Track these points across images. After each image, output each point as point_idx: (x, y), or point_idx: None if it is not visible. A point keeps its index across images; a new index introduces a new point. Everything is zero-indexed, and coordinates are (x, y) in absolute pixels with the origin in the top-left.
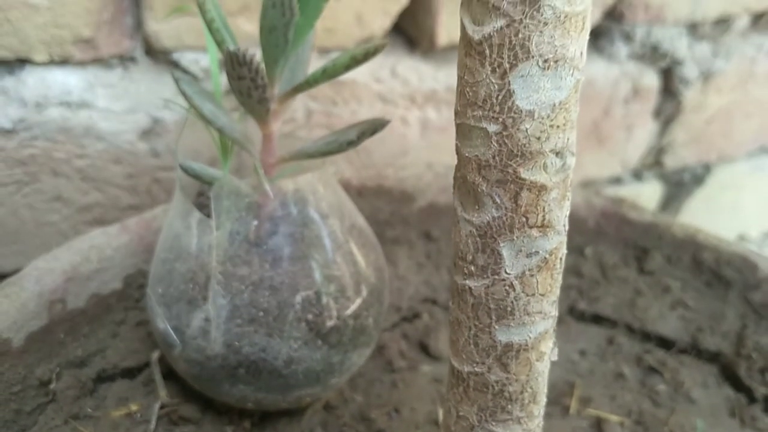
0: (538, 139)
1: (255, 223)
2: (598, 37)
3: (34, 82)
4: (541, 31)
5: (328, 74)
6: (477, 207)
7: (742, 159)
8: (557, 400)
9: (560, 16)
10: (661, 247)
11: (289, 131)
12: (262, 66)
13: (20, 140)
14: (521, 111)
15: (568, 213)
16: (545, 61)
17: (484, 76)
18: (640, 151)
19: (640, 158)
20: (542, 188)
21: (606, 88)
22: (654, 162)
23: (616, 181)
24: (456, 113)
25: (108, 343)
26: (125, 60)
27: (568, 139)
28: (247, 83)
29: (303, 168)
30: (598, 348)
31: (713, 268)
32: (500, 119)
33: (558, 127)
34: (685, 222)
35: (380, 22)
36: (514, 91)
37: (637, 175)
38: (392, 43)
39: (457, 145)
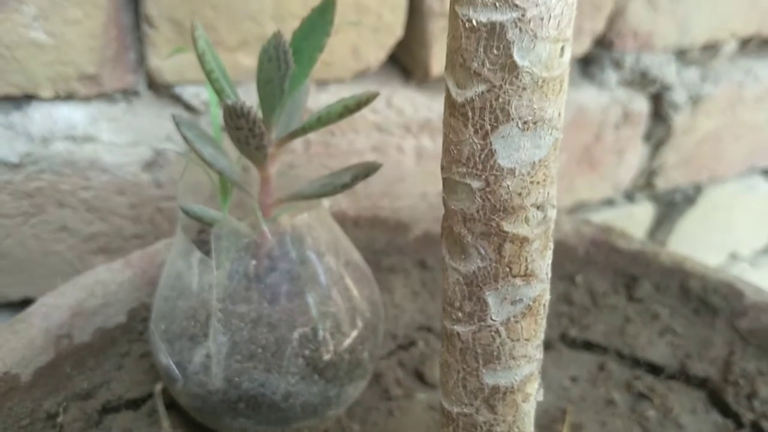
0: (520, 194)
1: (253, 262)
2: (588, 64)
3: (40, 117)
4: (520, 96)
5: (322, 122)
6: (463, 256)
7: (733, 179)
8: (549, 426)
9: (538, 81)
10: (649, 275)
11: (288, 161)
12: (259, 116)
13: (27, 174)
14: (503, 169)
15: (550, 261)
16: (525, 122)
17: (468, 136)
18: (631, 174)
19: (632, 180)
20: (524, 240)
21: (597, 114)
22: (646, 184)
23: (609, 203)
24: (442, 168)
25: (113, 375)
26: (128, 94)
27: (548, 193)
28: (245, 133)
29: (300, 207)
30: (589, 374)
31: (700, 296)
32: (483, 176)
33: (538, 182)
34: (672, 250)
35: (375, 54)
36: (495, 151)
37: (630, 196)
38: (388, 74)
39: (443, 197)
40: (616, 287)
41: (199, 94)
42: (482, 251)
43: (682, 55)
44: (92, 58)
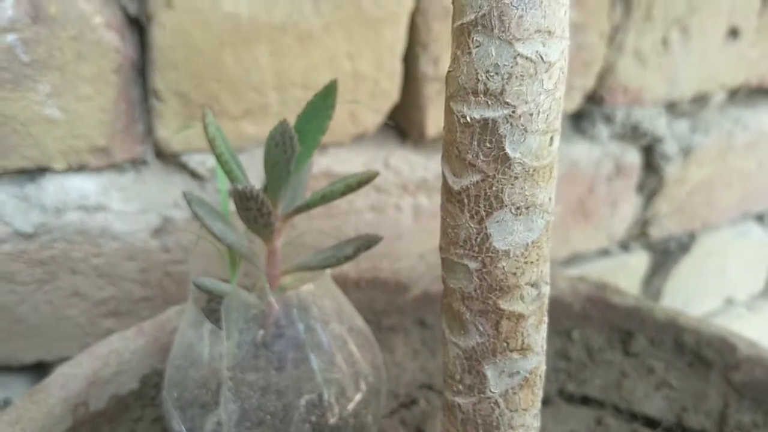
0: (515, 274)
1: (261, 332)
2: (580, 119)
3: (54, 188)
4: (512, 184)
5: (325, 199)
6: (463, 332)
7: (726, 226)
8: None
9: (529, 170)
10: (644, 330)
11: (290, 222)
12: (267, 199)
13: (41, 243)
14: (498, 251)
15: (545, 334)
16: (517, 208)
17: (464, 221)
18: (625, 224)
19: (626, 230)
20: (520, 316)
21: (589, 167)
22: (640, 233)
23: (604, 253)
24: (441, 248)
25: None
26: (137, 163)
27: (541, 271)
28: (254, 213)
29: (305, 275)
30: (587, 429)
31: (694, 350)
32: (479, 258)
33: (532, 262)
34: (665, 305)
35: (373, 118)
36: (490, 234)
37: (624, 246)
38: (385, 136)
39: (443, 275)
40: (612, 342)
41: (204, 161)
42: (480, 328)
43: (672, 107)
44: (103, 132)
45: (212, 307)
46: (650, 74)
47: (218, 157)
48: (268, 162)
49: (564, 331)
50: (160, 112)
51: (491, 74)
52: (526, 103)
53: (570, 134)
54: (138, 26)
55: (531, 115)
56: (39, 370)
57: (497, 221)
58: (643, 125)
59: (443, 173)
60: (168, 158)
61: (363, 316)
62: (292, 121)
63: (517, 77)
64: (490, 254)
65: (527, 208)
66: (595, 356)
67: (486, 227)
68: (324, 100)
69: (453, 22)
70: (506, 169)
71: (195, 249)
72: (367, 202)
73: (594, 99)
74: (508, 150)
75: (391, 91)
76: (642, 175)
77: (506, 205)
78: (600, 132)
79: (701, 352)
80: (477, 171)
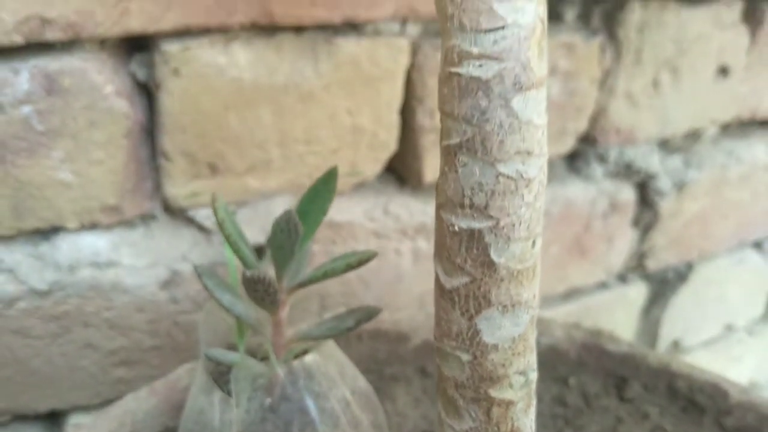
0: (503, 365)
1: (269, 399)
2: (574, 159)
3: (67, 247)
4: (498, 286)
5: (327, 275)
6: (457, 417)
7: (724, 254)
8: None
9: (513, 273)
10: (638, 376)
11: None
12: (274, 281)
13: (55, 299)
14: (487, 345)
15: (534, 416)
16: (504, 306)
17: (456, 317)
18: (622, 258)
19: (623, 263)
20: (510, 403)
21: (585, 206)
22: (637, 265)
23: (603, 285)
24: (435, 338)
25: None
26: (146, 218)
27: (528, 360)
28: (261, 294)
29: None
30: None
31: (687, 395)
32: (471, 351)
33: (519, 353)
34: (658, 351)
35: (372, 168)
36: (480, 330)
37: (622, 278)
38: (384, 183)
39: (438, 362)
40: (608, 388)
41: (210, 216)
42: (473, 414)
43: (664, 144)
44: (114, 192)
45: (221, 369)
46: (642, 114)
47: (227, 238)
48: (274, 244)
49: (561, 377)
50: (168, 171)
51: (476, 191)
52: (509, 215)
53: (564, 174)
54: (147, 90)
55: (513, 225)
56: (53, 418)
57: (486, 318)
58: (636, 163)
59: (436, 271)
60: (176, 213)
61: (365, 367)
62: (295, 175)
63: (499, 194)
64: (480, 348)
65: (513, 306)
66: (591, 402)
67: (476, 324)
68: (325, 185)
69: (441, 140)
70: (492, 273)
71: (204, 318)
72: (367, 247)
73: (587, 140)
74: (493, 257)
75: (389, 142)
76: (637, 211)
77: (494, 304)
78: (594, 171)
79: (694, 398)
80: (466, 273)
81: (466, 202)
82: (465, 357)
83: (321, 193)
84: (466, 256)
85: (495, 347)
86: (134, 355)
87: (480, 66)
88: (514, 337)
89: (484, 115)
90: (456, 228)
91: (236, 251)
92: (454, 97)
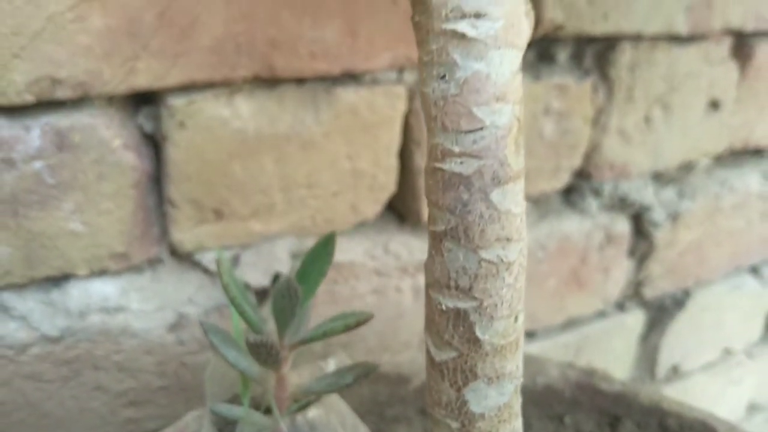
0: (490, 431)
1: None
2: (570, 193)
3: (77, 293)
4: (484, 360)
5: (326, 335)
6: None
7: (720, 280)
8: None
9: (497, 348)
10: (630, 415)
11: None
12: (276, 343)
13: (66, 345)
14: (474, 414)
15: None
16: (489, 378)
17: (445, 388)
18: (619, 287)
19: (621, 292)
20: None
21: (581, 239)
22: (634, 294)
23: (601, 314)
24: (427, 405)
25: None
26: (153, 262)
27: (513, 426)
28: (264, 355)
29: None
30: None
31: None
32: (459, 419)
33: (505, 420)
34: (650, 389)
35: (372, 208)
36: (468, 401)
37: (620, 306)
38: (384, 221)
39: (431, 427)
40: (602, 427)
41: (220, 253)
42: None
43: (658, 177)
44: (122, 239)
45: (228, 420)
46: (635, 150)
47: (232, 300)
48: (276, 307)
49: (556, 416)
50: (174, 218)
51: (461, 274)
52: (491, 296)
53: (561, 208)
54: (153, 140)
55: (496, 305)
56: None
57: (473, 390)
58: (630, 196)
59: (426, 343)
60: (182, 257)
61: (366, 409)
62: (298, 218)
63: (482, 277)
64: (468, 417)
65: (498, 377)
66: None
67: (464, 395)
68: (324, 248)
69: (428, 225)
70: (478, 349)
71: (209, 373)
72: (369, 286)
73: (582, 175)
74: (478, 334)
75: (388, 184)
76: (632, 241)
77: (480, 377)
78: (589, 205)
79: None
80: (453, 349)
81: (452, 284)
82: (454, 425)
83: (320, 256)
84: (453, 333)
85: (482, 416)
86: (143, 395)
87: (461, 163)
88: (499, 406)
89: (466, 207)
90: (443, 307)
91: (241, 313)
92: (439, 189)
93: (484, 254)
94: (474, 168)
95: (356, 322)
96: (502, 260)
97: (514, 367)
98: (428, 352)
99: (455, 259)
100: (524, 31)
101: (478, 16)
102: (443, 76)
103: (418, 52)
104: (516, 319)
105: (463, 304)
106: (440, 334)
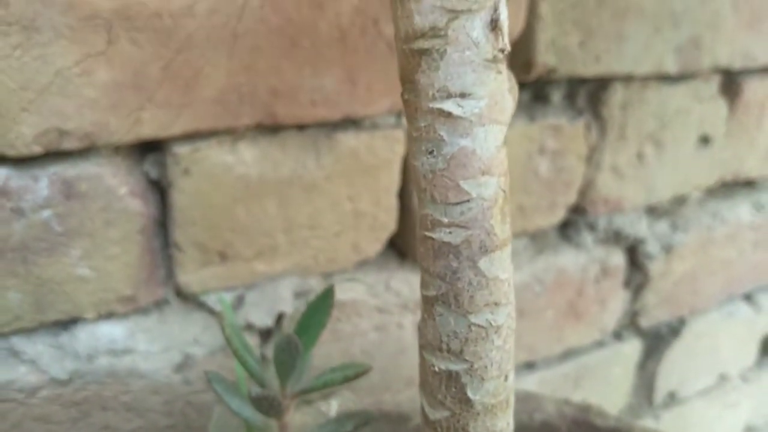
0: None
1: None
2: (565, 228)
3: (85, 336)
4: (475, 419)
5: (327, 384)
6: None
7: (714, 308)
8: None
9: (488, 407)
10: None
11: None
12: (278, 396)
13: (75, 387)
14: None
15: None
16: None
17: None
18: (615, 318)
19: (617, 322)
20: None
21: (577, 273)
22: (630, 323)
23: (598, 344)
24: None
25: None
26: (160, 303)
27: None
28: (266, 407)
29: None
30: None
31: None
32: None
33: None
34: (643, 425)
35: (373, 247)
36: None
37: (617, 335)
38: (385, 258)
39: None
40: None
41: (222, 297)
42: None
43: (651, 210)
44: (129, 283)
45: None
46: (628, 185)
47: (235, 353)
48: (278, 360)
49: None
50: (180, 260)
51: (452, 338)
52: (481, 359)
53: (557, 242)
54: (159, 186)
55: (486, 367)
56: None
57: None
58: (624, 230)
59: (421, 402)
60: (188, 298)
61: None
62: (301, 258)
63: (472, 340)
64: None
65: None
66: None
67: None
68: (324, 301)
69: (421, 289)
70: (470, 408)
71: (215, 421)
72: (370, 323)
73: (577, 210)
74: (469, 394)
75: (388, 223)
76: (627, 273)
77: None
78: (585, 239)
79: None
80: (446, 408)
81: (444, 347)
82: None
83: (320, 308)
84: (446, 393)
85: None
86: None
87: (450, 233)
88: None
89: (455, 274)
90: (436, 368)
91: (243, 364)
92: (430, 257)
93: (473, 319)
94: (462, 237)
95: (355, 374)
96: (491, 324)
97: (504, 424)
98: (423, 410)
99: (446, 323)
100: (508, 108)
101: (463, 95)
102: (431, 152)
103: (408, 126)
104: (506, 378)
105: (454, 366)
106: (434, 393)
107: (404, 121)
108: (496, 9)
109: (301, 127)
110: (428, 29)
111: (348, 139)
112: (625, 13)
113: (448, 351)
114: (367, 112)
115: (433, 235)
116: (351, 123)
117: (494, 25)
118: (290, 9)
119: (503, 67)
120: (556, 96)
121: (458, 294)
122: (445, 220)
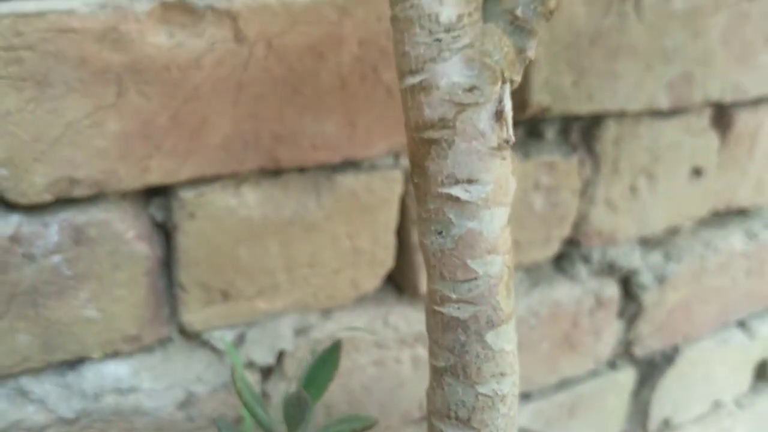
0: None
1: None
2: (560, 260)
3: (92, 375)
4: None
5: None
6: None
7: (708, 335)
8: None
9: None
10: None
11: None
12: None
13: (81, 426)
14: None
15: None
16: None
17: None
18: (610, 347)
19: (611, 351)
20: None
21: (571, 305)
22: (624, 352)
23: (593, 373)
24: None
25: None
26: (163, 341)
27: None
28: None
29: None
30: None
31: None
32: None
33: None
34: None
35: (372, 283)
36: None
37: (612, 364)
38: (384, 293)
39: None
40: None
41: (223, 337)
42: None
43: (644, 242)
44: (134, 323)
45: None
46: (621, 218)
47: (245, 404)
48: (287, 414)
49: None
50: (183, 300)
51: (459, 406)
52: (488, 426)
53: (552, 275)
54: (164, 229)
55: None
56: None
57: None
58: (618, 262)
59: None
60: (191, 336)
61: None
62: (301, 295)
63: (479, 409)
64: None
65: None
66: None
67: None
68: (331, 355)
69: (429, 359)
70: None
71: None
72: (369, 359)
73: (572, 243)
74: None
75: (386, 260)
76: (622, 304)
77: None
78: (579, 271)
79: None
80: None
81: (452, 414)
82: None
83: (327, 362)
84: None
85: None
86: None
87: (458, 308)
88: None
89: (463, 347)
90: None
91: (254, 416)
92: (439, 330)
93: (480, 389)
94: (470, 313)
95: (362, 427)
96: (497, 393)
97: None
98: None
99: (454, 392)
100: (511, 189)
101: (470, 181)
102: (440, 232)
103: (417, 207)
104: None
105: None
106: None
107: (402, 161)
108: (500, 101)
109: (302, 170)
110: (437, 121)
111: (347, 181)
112: (617, 52)
113: (457, 419)
114: (366, 154)
115: (443, 310)
116: (351, 165)
117: (499, 116)
118: (293, 59)
119: (507, 153)
120: (550, 132)
121: (466, 366)
122: (454, 297)
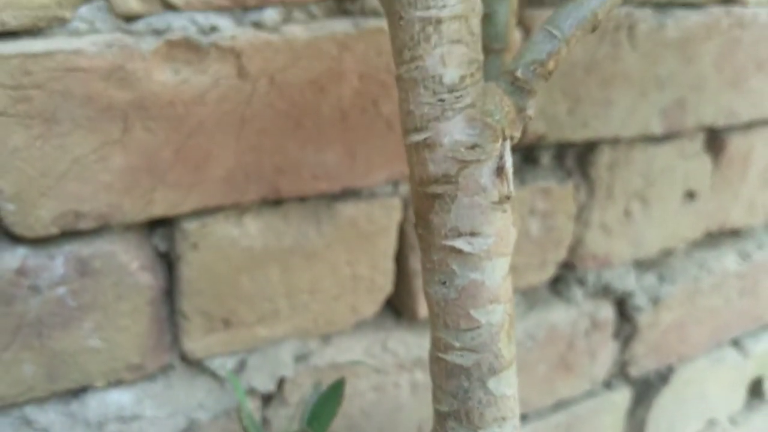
0: None
1: None
2: (556, 283)
3: (95, 404)
4: None
5: None
6: None
7: (702, 355)
8: None
9: None
10: None
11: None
12: None
13: None
14: None
15: None
16: None
17: None
18: (605, 368)
19: (607, 372)
20: None
21: (567, 327)
22: (619, 372)
23: (589, 393)
24: None
25: None
26: (165, 368)
27: None
28: None
29: None
30: None
31: None
32: None
33: None
34: None
35: (371, 308)
36: None
37: (607, 384)
38: (382, 318)
39: None
40: None
41: (224, 364)
42: None
43: (639, 264)
44: (137, 352)
45: None
46: (616, 241)
47: None
48: None
49: None
50: (185, 328)
51: None
52: None
53: (548, 298)
54: (167, 258)
55: None
56: None
57: None
58: (613, 284)
59: None
60: (192, 363)
61: None
62: (301, 321)
63: None
64: None
65: None
66: None
67: None
68: (335, 392)
69: (433, 404)
70: None
71: None
72: (368, 384)
73: (567, 266)
74: None
75: (385, 285)
76: (617, 325)
77: None
78: (575, 294)
79: None
80: None
81: None
82: None
83: (331, 398)
84: None
85: None
86: None
87: (461, 356)
88: None
89: (466, 393)
90: None
91: None
92: (443, 376)
93: None
94: (473, 360)
95: None
96: None
97: None
98: None
99: None
100: (512, 240)
101: (473, 234)
102: (444, 282)
103: (421, 257)
104: None
105: None
106: None
107: (401, 189)
108: (501, 157)
109: (303, 199)
110: (441, 176)
111: (347, 209)
112: (611, 80)
113: None
114: (365, 183)
115: (446, 357)
116: (351, 193)
117: (500, 171)
118: (295, 94)
119: (508, 206)
120: (546, 158)
121: (469, 411)
122: (457, 345)
